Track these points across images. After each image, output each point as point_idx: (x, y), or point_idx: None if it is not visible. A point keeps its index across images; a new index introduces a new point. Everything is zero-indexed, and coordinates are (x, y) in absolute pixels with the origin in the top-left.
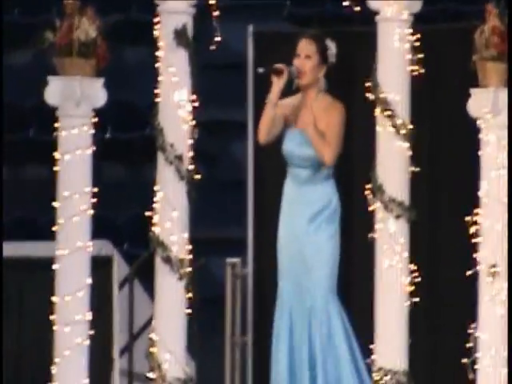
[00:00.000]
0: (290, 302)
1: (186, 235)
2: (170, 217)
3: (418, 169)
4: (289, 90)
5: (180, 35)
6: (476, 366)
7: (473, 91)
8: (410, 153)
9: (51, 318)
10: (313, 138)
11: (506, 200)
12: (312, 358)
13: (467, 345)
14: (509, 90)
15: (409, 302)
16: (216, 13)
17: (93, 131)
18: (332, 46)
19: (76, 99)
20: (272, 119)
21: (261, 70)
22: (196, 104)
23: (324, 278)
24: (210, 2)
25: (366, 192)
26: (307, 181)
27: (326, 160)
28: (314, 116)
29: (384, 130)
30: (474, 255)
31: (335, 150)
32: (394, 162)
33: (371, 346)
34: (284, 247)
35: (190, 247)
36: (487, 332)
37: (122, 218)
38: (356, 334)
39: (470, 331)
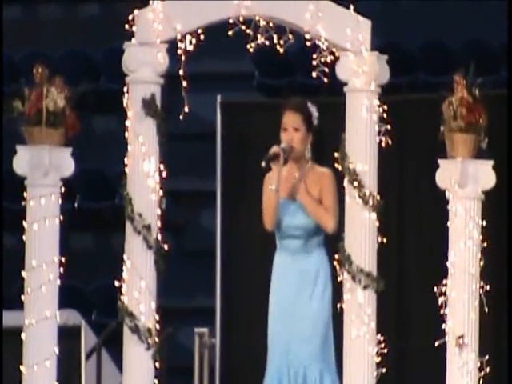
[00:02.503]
0: (280, 371)
1: (154, 305)
2: (138, 286)
3: (385, 239)
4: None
5: (148, 105)
6: None
7: (441, 162)
8: (378, 223)
9: None
10: (310, 206)
11: (473, 271)
12: None
13: None
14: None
15: (376, 373)
16: (185, 83)
17: (61, 200)
18: (314, 110)
19: (44, 168)
20: (277, 206)
21: (264, 164)
22: (164, 173)
23: (318, 347)
24: (180, 73)
25: (334, 262)
26: (300, 250)
27: (327, 227)
28: (307, 185)
29: (352, 201)
30: (443, 326)
31: (335, 217)
32: (361, 232)
33: None
34: (277, 317)
35: (158, 317)
36: None
37: (90, 288)
38: None
39: None
